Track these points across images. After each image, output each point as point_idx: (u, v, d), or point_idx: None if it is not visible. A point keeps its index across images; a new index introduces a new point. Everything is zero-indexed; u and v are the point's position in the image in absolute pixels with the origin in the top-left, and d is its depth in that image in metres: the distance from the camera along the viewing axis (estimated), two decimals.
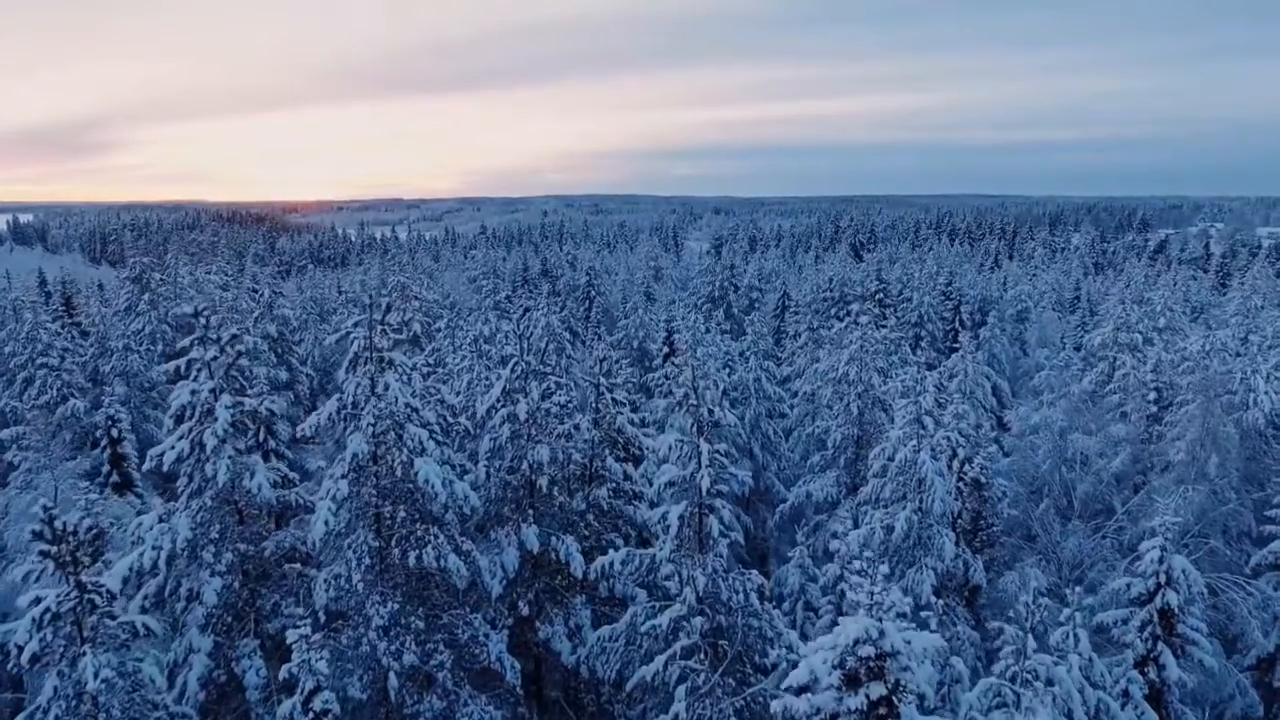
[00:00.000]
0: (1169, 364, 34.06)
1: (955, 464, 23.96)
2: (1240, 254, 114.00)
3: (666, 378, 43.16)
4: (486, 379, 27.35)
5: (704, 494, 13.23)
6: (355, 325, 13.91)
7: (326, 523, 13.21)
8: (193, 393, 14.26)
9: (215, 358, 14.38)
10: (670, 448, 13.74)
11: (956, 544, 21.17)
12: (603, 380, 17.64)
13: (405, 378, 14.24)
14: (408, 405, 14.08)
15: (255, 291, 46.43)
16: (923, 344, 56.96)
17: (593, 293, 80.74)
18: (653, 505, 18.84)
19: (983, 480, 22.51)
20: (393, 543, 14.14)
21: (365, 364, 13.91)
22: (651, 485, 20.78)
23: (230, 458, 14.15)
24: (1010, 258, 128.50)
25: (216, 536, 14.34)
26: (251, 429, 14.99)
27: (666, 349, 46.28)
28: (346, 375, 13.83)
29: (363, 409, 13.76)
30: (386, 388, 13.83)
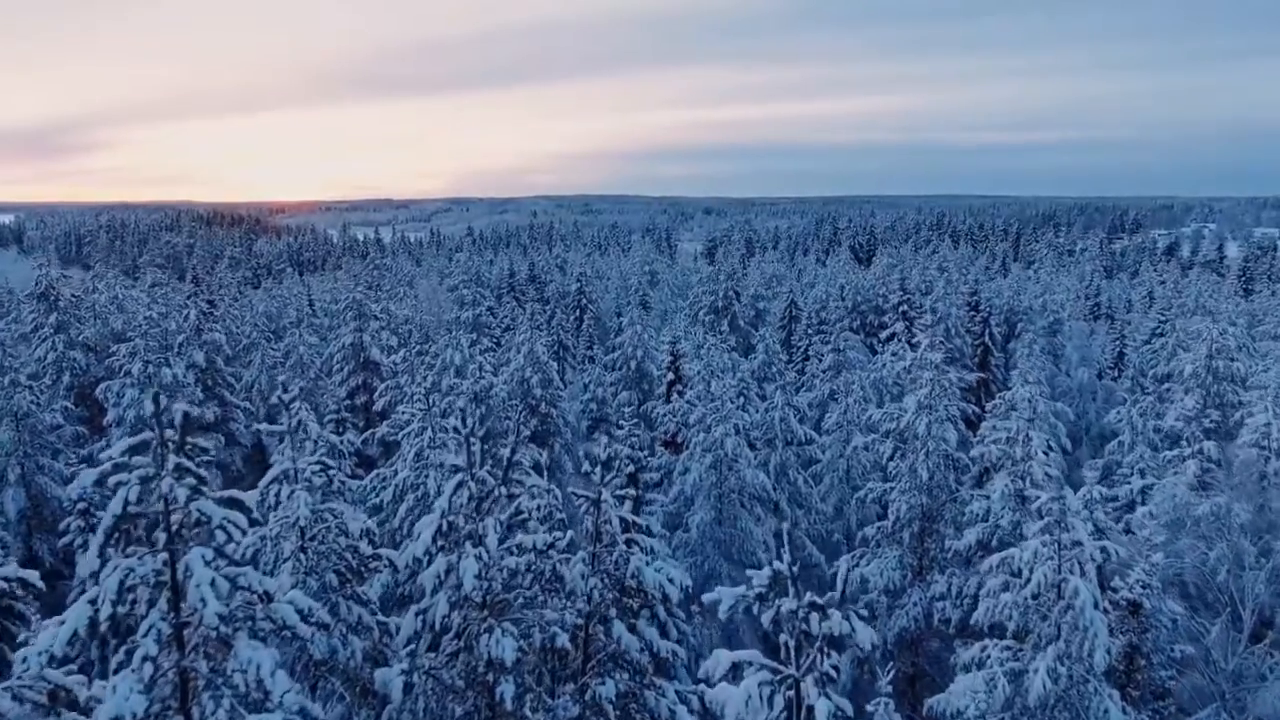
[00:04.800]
0: None
1: (1089, 569, 17.22)
2: (1258, 258, 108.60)
3: (673, 414, 36.54)
4: (443, 442, 20.53)
5: None
6: (129, 452, 7.07)
7: None
8: None
9: None
10: (747, 699, 6.96)
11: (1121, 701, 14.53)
12: (605, 494, 10.82)
13: (234, 536, 7.43)
14: (238, 598, 7.31)
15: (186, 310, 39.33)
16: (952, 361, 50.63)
17: (584, 300, 73.77)
18: None
19: (1145, 604, 15.85)
20: None
21: (157, 530, 7.11)
22: (675, 625, 14.16)
23: None
24: (1016, 260, 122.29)
25: None
26: None
27: (671, 374, 39.76)
28: (101, 559, 6.94)
29: (140, 626, 6.95)
30: (189, 575, 7.01)
